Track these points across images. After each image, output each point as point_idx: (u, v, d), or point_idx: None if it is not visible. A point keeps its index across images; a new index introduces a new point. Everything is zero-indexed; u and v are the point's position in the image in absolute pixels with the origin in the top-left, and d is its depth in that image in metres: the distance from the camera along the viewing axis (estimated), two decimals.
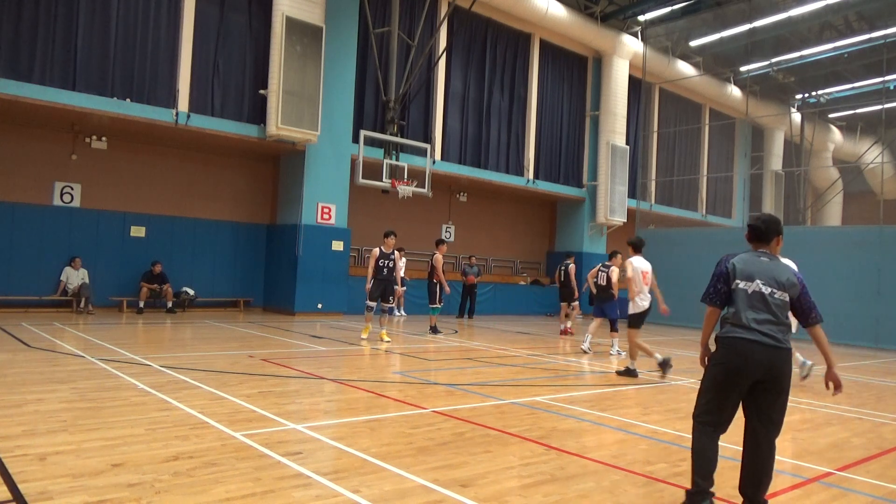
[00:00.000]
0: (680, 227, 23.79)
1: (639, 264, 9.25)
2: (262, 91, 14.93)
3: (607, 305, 11.65)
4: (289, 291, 15.80)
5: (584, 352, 11.41)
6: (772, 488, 4.27)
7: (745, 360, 3.61)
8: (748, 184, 27.58)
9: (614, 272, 11.44)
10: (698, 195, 28.13)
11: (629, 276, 9.20)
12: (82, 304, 13.66)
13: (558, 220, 23.81)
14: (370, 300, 11.49)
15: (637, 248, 9.39)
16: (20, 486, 3.55)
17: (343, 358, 9.45)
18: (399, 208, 18.22)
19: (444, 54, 18.31)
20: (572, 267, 14.74)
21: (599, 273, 11.66)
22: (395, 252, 11.61)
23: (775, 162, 29.60)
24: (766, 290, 3.66)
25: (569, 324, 14.87)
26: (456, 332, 13.85)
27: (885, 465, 5.08)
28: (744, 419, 3.84)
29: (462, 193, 21.33)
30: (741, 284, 3.70)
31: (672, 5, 20.79)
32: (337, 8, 15.88)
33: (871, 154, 28.79)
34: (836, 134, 31.65)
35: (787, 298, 3.68)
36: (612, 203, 22.35)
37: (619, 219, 22.54)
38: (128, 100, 13.36)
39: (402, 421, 5.59)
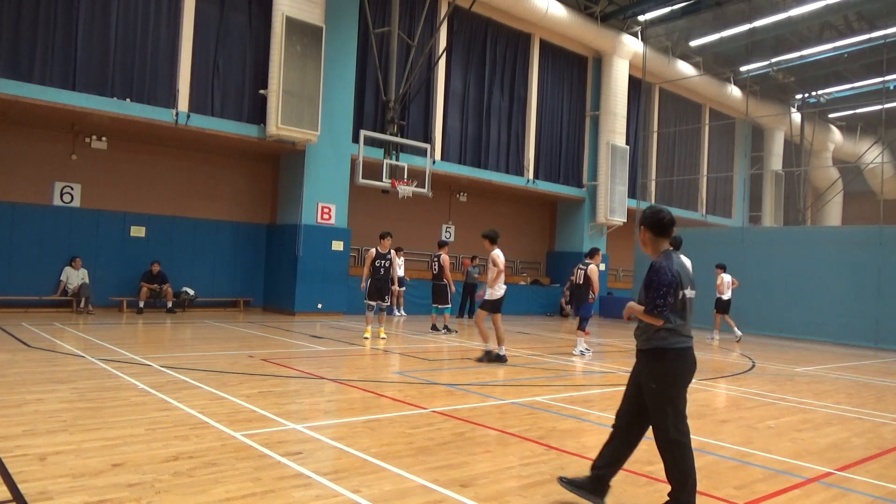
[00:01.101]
0: (680, 227, 23.74)
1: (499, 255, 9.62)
2: (262, 91, 14.93)
3: (583, 304, 11.45)
4: (289, 291, 15.80)
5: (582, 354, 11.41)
6: (772, 488, 4.27)
7: (693, 368, 3.67)
8: (748, 184, 27.60)
9: (593, 270, 11.29)
10: (698, 195, 28.13)
11: (501, 268, 9.54)
12: (82, 304, 13.66)
13: (558, 220, 23.81)
14: (369, 300, 11.56)
15: (493, 240, 9.72)
16: (20, 486, 3.55)
17: (343, 358, 9.45)
18: (399, 208, 18.22)
19: (444, 54, 18.31)
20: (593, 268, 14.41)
21: (577, 271, 11.43)
22: (392, 252, 11.67)
23: (775, 162, 29.61)
24: (692, 294, 3.68)
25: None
26: (456, 332, 13.86)
27: (885, 465, 5.08)
28: (627, 415, 3.87)
29: (462, 193, 21.33)
30: (687, 293, 3.64)
31: (672, 5, 20.79)
32: (337, 8, 15.88)
33: (871, 154, 28.79)
34: (836, 134, 31.66)
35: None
36: (612, 203, 22.35)
37: (619, 219, 22.53)
38: (128, 100, 13.36)
39: (402, 421, 5.59)
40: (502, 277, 9.58)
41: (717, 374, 9.66)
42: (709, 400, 7.49)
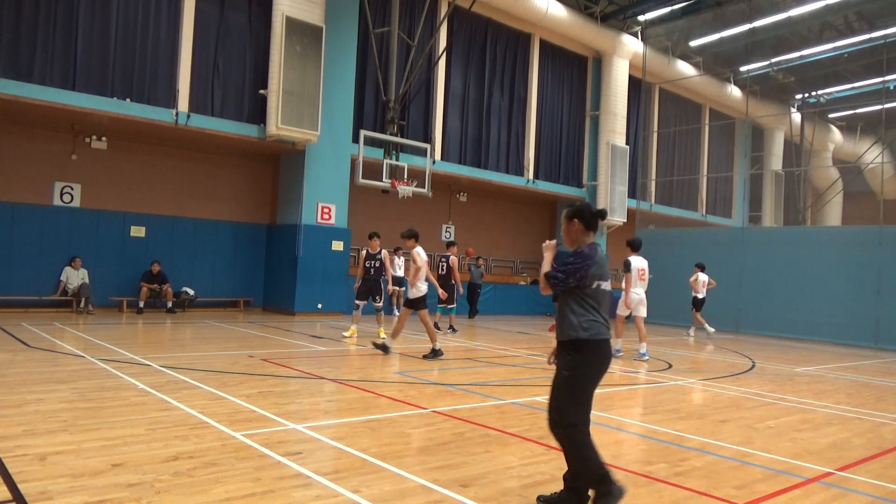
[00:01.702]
0: (680, 227, 23.79)
1: (421, 254, 9.79)
2: (262, 91, 14.93)
3: None
4: (289, 291, 15.80)
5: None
6: (772, 488, 4.27)
7: (608, 360, 3.73)
8: (748, 184, 27.60)
9: None
10: (698, 195, 28.13)
11: (419, 265, 9.71)
12: (82, 304, 13.66)
13: (558, 220, 23.78)
14: (358, 299, 11.70)
15: (415, 238, 9.88)
16: (20, 486, 3.55)
17: (343, 358, 9.45)
18: (399, 208, 18.22)
19: (444, 54, 18.31)
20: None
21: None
22: (383, 252, 11.74)
23: (775, 162, 29.61)
24: (609, 287, 3.76)
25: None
26: (456, 331, 13.87)
27: (885, 465, 5.08)
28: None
29: (462, 193, 21.32)
30: (603, 285, 3.70)
31: (672, 5, 20.79)
32: (337, 8, 15.88)
33: (871, 154, 28.78)
34: (836, 134, 31.66)
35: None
36: (612, 203, 22.35)
37: (620, 219, 22.54)
38: (128, 100, 13.36)
39: (402, 421, 5.58)
40: (423, 275, 9.70)
41: (717, 374, 9.66)
42: (709, 400, 7.49)
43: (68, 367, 7.34)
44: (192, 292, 15.48)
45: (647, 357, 10.81)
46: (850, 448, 5.53)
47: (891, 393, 8.85)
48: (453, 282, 13.91)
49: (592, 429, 5.73)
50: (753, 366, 11.00)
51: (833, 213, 30.79)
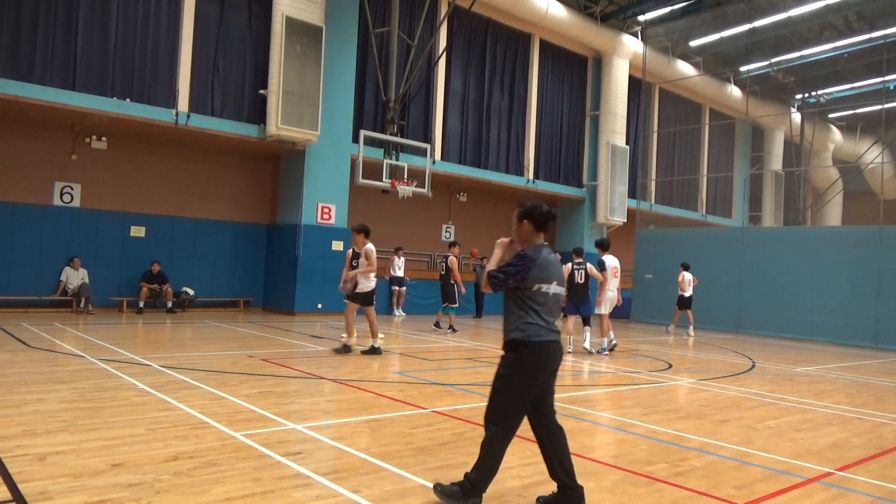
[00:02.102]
0: (680, 226, 23.79)
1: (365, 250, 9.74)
2: (262, 91, 14.93)
3: (585, 303, 11.54)
4: (289, 291, 15.80)
5: (589, 352, 11.42)
6: (772, 488, 4.27)
7: (552, 362, 3.70)
8: (748, 184, 27.60)
9: (592, 269, 11.44)
10: (698, 195, 28.13)
11: (372, 261, 9.68)
12: (82, 304, 13.66)
13: (558, 220, 23.79)
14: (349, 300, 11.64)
15: (366, 234, 9.87)
16: (20, 486, 3.55)
17: (343, 358, 9.45)
18: (399, 208, 18.22)
19: (444, 54, 18.31)
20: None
21: (577, 271, 11.40)
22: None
23: (775, 162, 29.61)
24: (558, 290, 3.73)
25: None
26: (456, 331, 13.86)
27: (885, 465, 5.08)
28: (531, 417, 3.81)
29: (462, 193, 21.32)
30: (543, 288, 3.66)
31: (672, 5, 20.80)
32: (337, 8, 15.88)
33: (871, 154, 28.79)
34: (836, 134, 31.66)
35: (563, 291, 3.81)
36: (612, 203, 22.35)
37: (619, 219, 22.54)
38: (128, 100, 13.36)
39: (402, 421, 5.58)
40: (374, 271, 9.69)
41: (717, 374, 9.66)
42: (709, 400, 7.49)
43: (68, 367, 7.34)
44: (192, 292, 15.48)
45: (606, 352, 11.34)
46: (850, 448, 5.53)
47: (891, 393, 8.85)
48: (453, 282, 13.91)
49: (593, 428, 5.76)
50: (753, 366, 11.00)
51: (833, 213, 30.79)
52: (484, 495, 3.84)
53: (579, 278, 11.41)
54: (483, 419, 3.73)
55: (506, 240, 3.91)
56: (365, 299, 9.72)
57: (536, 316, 3.63)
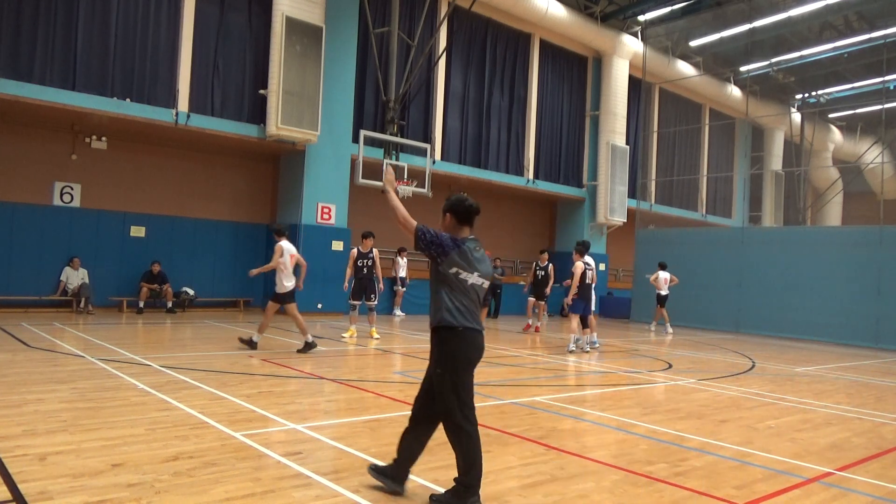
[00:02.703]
0: (680, 226, 23.80)
1: (288, 248, 9.93)
2: (262, 91, 14.92)
3: (590, 303, 11.68)
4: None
5: (586, 351, 11.43)
6: (772, 488, 4.27)
7: (479, 352, 3.74)
8: (748, 184, 27.60)
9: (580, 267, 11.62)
10: (698, 195, 28.13)
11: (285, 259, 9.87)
12: (82, 304, 13.66)
13: (558, 220, 23.81)
14: (353, 299, 11.70)
15: (280, 233, 10.10)
16: (20, 486, 3.55)
17: (343, 358, 9.45)
18: None
19: (444, 54, 18.31)
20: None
21: (587, 271, 11.53)
22: (374, 251, 11.68)
23: (775, 162, 29.62)
24: (479, 281, 3.75)
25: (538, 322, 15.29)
26: None
27: (885, 465, 5.08)
28: (419, 402, 3.89)
29: (462, 193, 21.29)
30: (462, 275, 3.69)
31: (672, 5, 20.80)
32: (337, 8, 15.87)
33: (871, 154, 28.79)
34: (836, 134, 31.66)
35: (487, 286, 3.84)
36: (612, 203, 22.35)
37: (619, 219, 22.54)
38: (128, 100, 13.36)
39: (403, 421, 5.53)
40: (289, 270, 9.76)
41: (717, 374, 9.66)
42: (709, 400, 7.49)
43: (68, 367, 7.34)
44: (192, 292, 15.47)
45: (572, 349, 11.40)
46: (850, 448, 5.53)
47: (891, 393, 8.85)
48: None
49: (593, 428, 5.76)
50: (753, 366, 11.00)
51: (833, 213, 30.80)
52: (483, 495, 3.84)
53: (588, 278, 11.49)
54: (447, 427, 3.76)
55: (391, 176, 3.96)
56: (283, 298, 9.74)
57: (458, 301, 3.68)
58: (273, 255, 9.73)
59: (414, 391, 6.96)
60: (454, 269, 3.66)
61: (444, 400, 3.70)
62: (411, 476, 4.11)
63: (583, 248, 11.76)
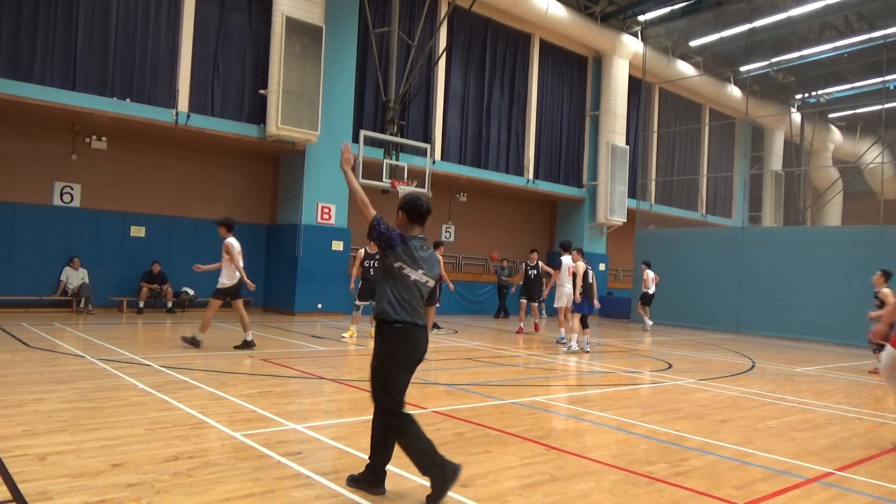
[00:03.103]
0: (680, 226, 23.79)
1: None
2: (262, 91, 14.93)
3: (590, 303, 11.73)
4: (289, 291, 15.80)
5: (586, 351, 11.42)
6: (772, 488, 4.27)
7: (416, 349, 3.79)
8: (748, 184, 27.60)
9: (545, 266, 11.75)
10: (698, 195, 28.13)
11: (234, 255, 9.68)
12: (82, 304, 13.66)
13: (558, 220, 23.81)
14: (359, 300, 11.69)
15: (229, 227, 9.83)
16: (20, 486, 3.55)
17: (343, 358, 9.45)
18: None
19: (444, 54, 18.31)
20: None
21: (589, 271, 11.60)
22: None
23: (775, 162, 29.61)
24: (423, 279, 3.82)
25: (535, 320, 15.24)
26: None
27: (885, 465, 5.08)
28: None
29: (462, 193, 21.32)
30: (405, 270, 3.77)
31: (672, 5, 20.80)
32: (337, 8, 15.88)
33: (871, 154, 28.78)
34: (836, 134, 31.66)
35: (434, 284, 3.92)
36: (612, 203, 22.35)
37: (619, 219, 22.54)
38: (128, 100, 13.36)
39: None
40: (238, 265, 9.60)
41: (717, 374, 9.66)
42: (709, 400, 7.49)
43: (68, 367, 7.34)
44: (192, 292, 15.47)
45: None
46: (850, 448, 5.53)
47: (891, 393, 8.85)
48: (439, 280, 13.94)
49: (593, 428, 5.75)
50: (753, 366, 11.00)
51: (833, 213, 30.79)
52: (483, 495, 3.85)
53: (590, 277, 11.54)
54: (375, 417, 3.86)
55: (349, 155, 4.05)
56: (227, 294, 9.60)
57: (399, 295, 3.76)
58: (231, 253, 9.57)
59: (414, 391, 6.99)
60: (399, 264, 3.77)
61: (373, 389, 3.83)
62: (411, 476, 4.11)
63: (562, 247, 12.46)
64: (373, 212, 3.86)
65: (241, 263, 9.58)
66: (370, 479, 3.79)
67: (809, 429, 6.23)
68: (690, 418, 6.37)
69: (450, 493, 3.83)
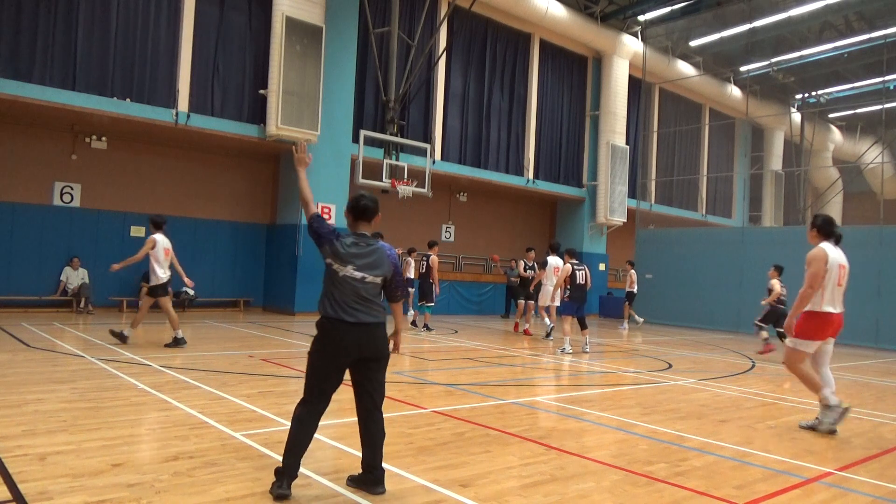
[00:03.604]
0: (680, 227, 23.79)
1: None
2: (262, 91, 14.93)
3: (585, 304, 11.58)
4: (289, 291, 15.80)
5: (585, 352, 11.40)
6: (772, 488, 4.28)
7: (344, 346, 3.77)
8: (748, 184, 27.60)
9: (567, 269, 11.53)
10: (698, 195, 28.13)
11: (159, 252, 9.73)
12: (82, 304, 13.66)
13: (558, 220, 23.80)
14: None
15: (158, 225, 9.91)
16: (20, 486, 3.55)
17: None
18: (399, 208, 18.21)
19: (444, 54, 18.30)
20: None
21: (577, 272, 11.32)
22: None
23: (775, 162, 29.61)
24: (356, 275, 3.84)
25: (527, 325, 14.78)
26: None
27: (885, 465, 5.08)
28: (355, 399, 3.92)
29: (462, 193, 21.32)
30: (334, 266, 3.86)
31: (672, 5, 20.79)
32: (337, 8, 15.88)
33: (871, 154, 28.79)
34: (836, 134, 31.66)
35: (380, 281, 3.89)
36: (612, 203, 22.34)
37: (619, 219, 22.53)
38: (128, 100, 13.36)
39: (402, 421, 5.58)
40: (163, 263, 9.64)
41: (717, 374, 9.66)
42: (709, 400, 7.49)
43: (68, 367, 7.34)
44: (192, 292, 15.45)
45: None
46: (850, 448, 5.53)
47: (891, 393, 8.85)
48: (431, 281, 13.97)
49: (593, 428, 5.75)
50: (753, 366, 11.00)
51: (833, 213, 30.74)
52: (483, 495, 3.84)
53: (580, 279, 11.35)
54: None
55: (303, 154, 4.15)
56: (157, 291, 9.62)
57: (330, 291, 3.84)
58: (146, 246, 9.57)
59: (414, 391, 6.99)
60: (328, 261, 3.88)
61: (306, 375, 3.86)
62: (411, 476, 4.12)
63: (550, 248, 12.77)
64: (312, 211, 3.98)
65: (161, 257, 9.65)
66: (367, 478, 3.80)
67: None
68: (690, 418, 6.37)
69: (450, 493, 3.83)
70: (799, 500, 4.12)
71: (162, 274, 9.56)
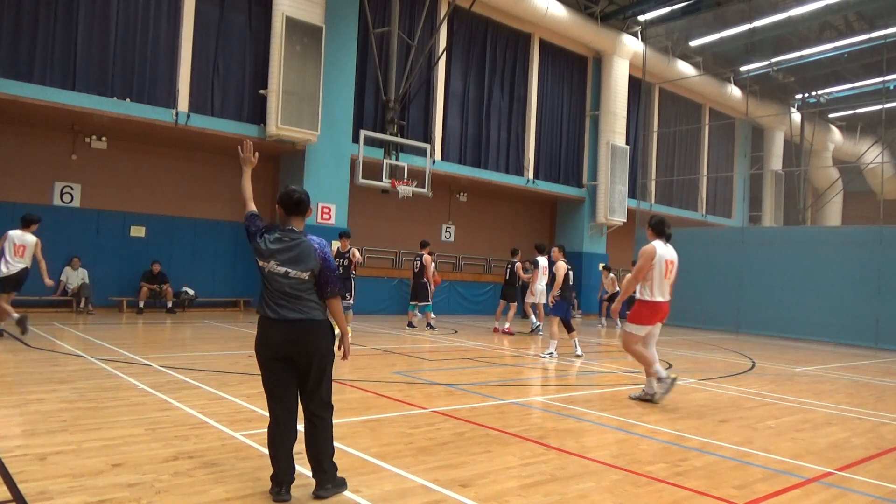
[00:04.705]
0: (680, 227, 23.76)
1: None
2: (262, 91, 14.92)
3: (570, 306, 11.03)
4: None
5: (578, 355, 11.30)
6: (772, 488, 4.28)
7: (270, 342, 3.72)
8: (748, 184, 27.59)
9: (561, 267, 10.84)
10: (698, 195, 28.12)
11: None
12: (82, 304, 13.66)
13: (558, 220, 23.80)
14: None
15: (27, 224, 9.71)
16: (20, 486, 3.55)
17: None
18: (399, 208, 18.22)
19: (444, 54, 18.30)
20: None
21: (569, 272, 10.79)
22: (352, 250, 11.57)
23: (775, 162, 29.60)
24: (278, 270, 3.75)
25: (507, 324, 14.41)
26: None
27: (885, 465, 5.08)
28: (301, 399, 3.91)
29: (462, 193, 21.32)
30: (260, 262, 3.79)
31: (672, 5, 20.78)
32: (337, 8, 15.88)
33: (871, 154, 28.79)
34: (836, 134, 31.65)
35: (307, 276, 3.75)
36: (612, 203, 22.34)
37: (619, 219, 22.53)
38: (128, 100, 13.36)
39: (402, 421, 5.58)
40: (8, 258, 9.49)
41: (717, 374, 9.67)
42: (709, 400, 7.49)
43: (68, 367, 7.34)
44: (192, 292, 15.48)
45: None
46: (850, 448, 5.53)
47: (891, 393, 8.85)
48: (425, 280, 13.98)
49: (593, 428, 5.75)
50: (753, 366, 11.00)
51: (833, 213, 30.79)
52: (483, 495, 3.84)
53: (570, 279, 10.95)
54: None
55: (249, 154, 4.29)
56: (4, 285, 9.48)
57: (263, 291, 3.81)
58: (8, 240, 9.49)
59: (414, 391, 7.00)
60: (255, 257, 3.84)
61: None
62: (411, 476, 4.12)
63: (536, 248, 13.01)
64: (249, 209, 4.03)
65: (9, 253, 9.52)
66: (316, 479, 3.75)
67: (809, 429, 6.23)
68: (690, 418, 6.37)
69: (450, 493, 3.83)
70: (799, 500, 4.12)
71: (4, 268, 9.48)
